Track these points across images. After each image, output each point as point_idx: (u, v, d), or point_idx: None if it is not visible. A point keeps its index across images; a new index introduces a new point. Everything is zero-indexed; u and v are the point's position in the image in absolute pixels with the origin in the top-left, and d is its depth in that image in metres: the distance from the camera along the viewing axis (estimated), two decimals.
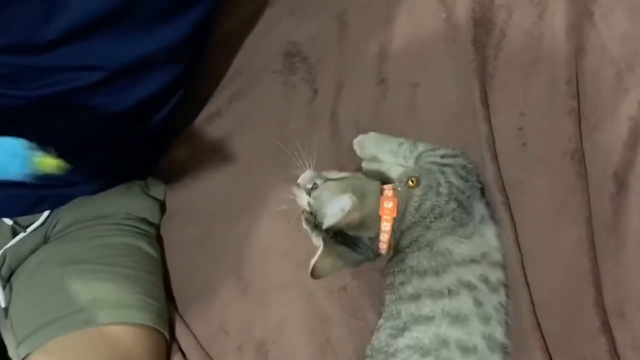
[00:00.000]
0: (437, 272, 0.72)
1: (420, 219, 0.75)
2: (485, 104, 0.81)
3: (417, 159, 0.79)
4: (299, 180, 0.82)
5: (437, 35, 0.89)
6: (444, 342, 0.69)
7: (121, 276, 0.98)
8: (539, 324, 0.71)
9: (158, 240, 1.09)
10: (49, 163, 0.68)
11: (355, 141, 0.87)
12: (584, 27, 0.79)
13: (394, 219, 0.75)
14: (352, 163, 0.93)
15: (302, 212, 0.82)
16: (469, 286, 0.70)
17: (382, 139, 0.85)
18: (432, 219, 0.74)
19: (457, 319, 0.69)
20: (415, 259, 0.73)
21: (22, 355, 0.93)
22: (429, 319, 0.70)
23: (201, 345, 0.97)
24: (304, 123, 1.02)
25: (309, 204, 0.80)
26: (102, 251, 1.01)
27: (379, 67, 0.93)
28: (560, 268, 0.72)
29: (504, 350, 0.70)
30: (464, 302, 0.70)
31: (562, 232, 0.73)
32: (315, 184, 0.80)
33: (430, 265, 0.72)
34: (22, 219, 1.02)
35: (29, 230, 1.00)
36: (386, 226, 0.75)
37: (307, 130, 1.01)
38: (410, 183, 0.76)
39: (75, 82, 0.93)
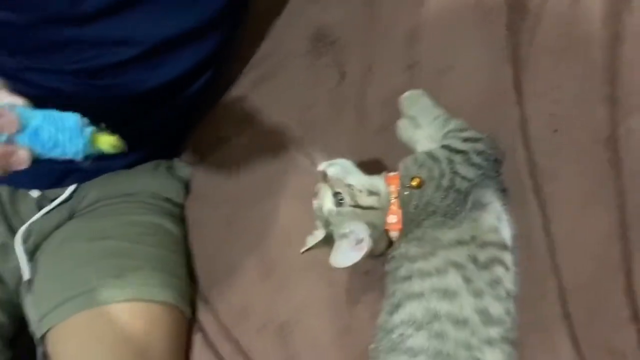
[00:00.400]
0: (425, 257, 0.73)
1: (413, 217, 0.75)
2: (518, 89, 0.80)
3: (443, 137, 0.78)
4: (329, 172, 0.80)
5: (469, 19, 0.88)
6: (435, 316, 0.71)
7: (145, 254, 0.98)
8: (566, 312, 0.70)
9: (182, 221, 1.10)
10: (105, 141, 0.67)
11: (405, 95, 0.84)
12: (621, 13, 0.77)
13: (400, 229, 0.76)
14: (377, 148, 0.92)
15: (316, 206, 0.80)
16: (456, 265, 0.71)
17: (427, 104, 0.83)
18: (424, 217, 0.75)
19: (445, 293, 0.71)
20: (404, 248, 0.75)
21: (44, 330, 0.94)
22: (419, 295, 0.72)
23: (223, 326, 0.98)
24: (330, 107, 1.01)
25: (328, 210, 0.79)
26: (127, 228, 1.01)
27: (409, 51, 0.92)
28: (589, 255, 0.71)
29: (503, 325, 0.70)
30: (452, 279, 0.71)
31: (592, 218, 0.72)
32: (340, 195, 0.78)
33: (418, 252, 0.74)
34: (48, 193, 1.02)
35: (54, 203, 1.01)
36: (394, 235, 0.77)
37: (332, 114, 1.01)
38: (412, 184, 0.76)
39: (110, 57, 0.93)
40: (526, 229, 0.74)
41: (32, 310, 0.97)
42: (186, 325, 0.98)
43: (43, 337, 0.95)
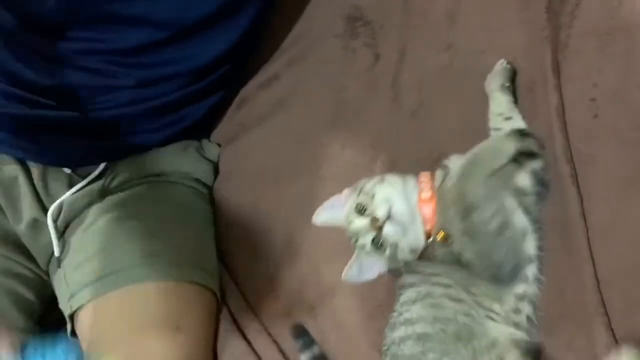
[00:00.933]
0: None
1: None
2: (557, 73, 0.78)
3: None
4: (385, 230, 0.76)
5: (508, 1, 0.86)
6: (429, 294, 0.72)
7: (176, 234, 0.99)
8: (603, 301, 0.68)
9: (211, 202, 1.10)
10: None
11: (499, 68, 0.81)
12: None
13: None
14: (410, 131, 0.91)
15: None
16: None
17: (505, 94, 0.79)
18: None
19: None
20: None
21: (74, 308, 0.95)
22: (415, 284, 0.74)
23: (250, 307, 0.97)
24: (364, 89, 1.00)
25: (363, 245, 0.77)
26: (157, 208, 1.01)
27: (445, 32, 0.91)
28: (627, 244, 0.69)
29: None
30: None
31: (631, 207, 0.69)
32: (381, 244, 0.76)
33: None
34: (80, 170, 1.03)
35: (85, 181, 1.02)
36: None
37: (366, 96, 1.00)
38: (437, 238, 0.75)
39: (146, 36, 0.94)
40: (563, 215, 0.72)
41: (61, 289, 0.98)
42: (216, 304, 0.98)
43: (72, 315, 0.96)
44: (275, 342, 0.92)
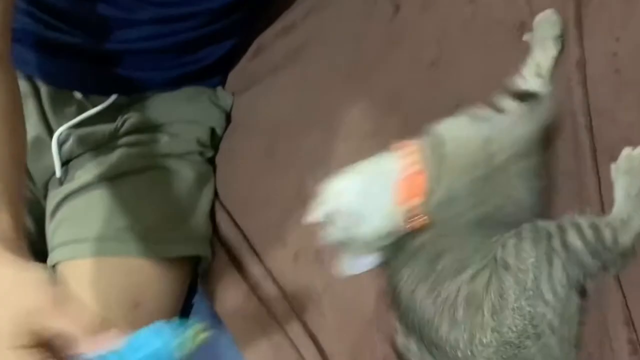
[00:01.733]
0: None
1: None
2: (579, 27, 0.77)
3: None
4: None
5: None
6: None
7: (158, 209, 0.99)
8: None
9: (213, 157, 1.09)
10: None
11: (554, 18, 0.78)
12: None
13: None
14: (429, 83, 0.90)
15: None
16: None
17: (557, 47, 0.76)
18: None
19: None
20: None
21: (52, 262, 0.96)
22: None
23: (255, 252, 0.98)
24: (382, 40, 0.99)
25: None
26: (149, 179, 1.01)
27: None
28: None
29: None
30: None
31: None
32: None
33: None
34: (92, 99, 1.03)
35: (96, 109, 1.02)
36: None
37: (384, 47, 0.99)
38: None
39: None
40: (576, 167, 0.72)
41: (48, 238, 0.99)
42: (188, 274, 1.00)
43: (54, 267, 0.97)
44: (280, 287, 0.92)
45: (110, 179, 0.99)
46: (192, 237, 0.99)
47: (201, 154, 1.07)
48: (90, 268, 0.93)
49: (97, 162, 1.02)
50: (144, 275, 0.95)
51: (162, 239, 0.96)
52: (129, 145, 1.04)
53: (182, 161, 1.04)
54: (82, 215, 0.97)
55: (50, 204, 1.01)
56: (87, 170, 1.01)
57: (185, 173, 1.03)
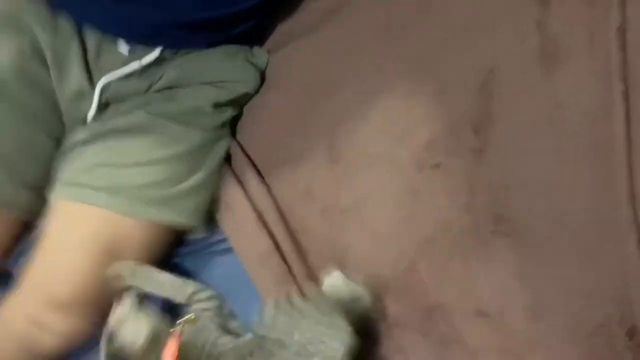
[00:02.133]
0: None
1: None
2: None
3: None
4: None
5: None
6: None
7: (167, 162, 1.00)
8: (636, 215, 0.68)
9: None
10: None
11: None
12: None
13: None
14: (460, 45, 0.90)
15: None
16: None
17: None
18: None
19: None
20: None
21: (52, 198, 0.99)
22: None
23: (279, 207, 0.99)
24: (415, 3, 0.99)
25: None
26: (163, 133, 1.02)
27: None
28: None
29: None
30: None
31: None
32: None
33: None
34: (137, 53, 1.05)
35: (140, 63, 1.03)
36: None
37: (415, 11, 0.99)
38: None
39: None
40: (608, 130, 0.72)
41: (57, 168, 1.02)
42: (172, 240, 1.02)
43: None
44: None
45: (122, 132, 1.01)
46: (185, 205, 1.01)
47: (219, 115, 1.08)
48: (72, 213, 0.96)
49: (119, 113, 1.04)
50: (127, 230, 0.96)
51: (153, 201, 0.98)
52: (154, 101, 1.05)
53: (194, 123, 1.05)
54: (86, 161, 0.99)
55: (67, 143, 1.04)
56: (103, 123, 1.03)
57: (196, 136, 1.04)
